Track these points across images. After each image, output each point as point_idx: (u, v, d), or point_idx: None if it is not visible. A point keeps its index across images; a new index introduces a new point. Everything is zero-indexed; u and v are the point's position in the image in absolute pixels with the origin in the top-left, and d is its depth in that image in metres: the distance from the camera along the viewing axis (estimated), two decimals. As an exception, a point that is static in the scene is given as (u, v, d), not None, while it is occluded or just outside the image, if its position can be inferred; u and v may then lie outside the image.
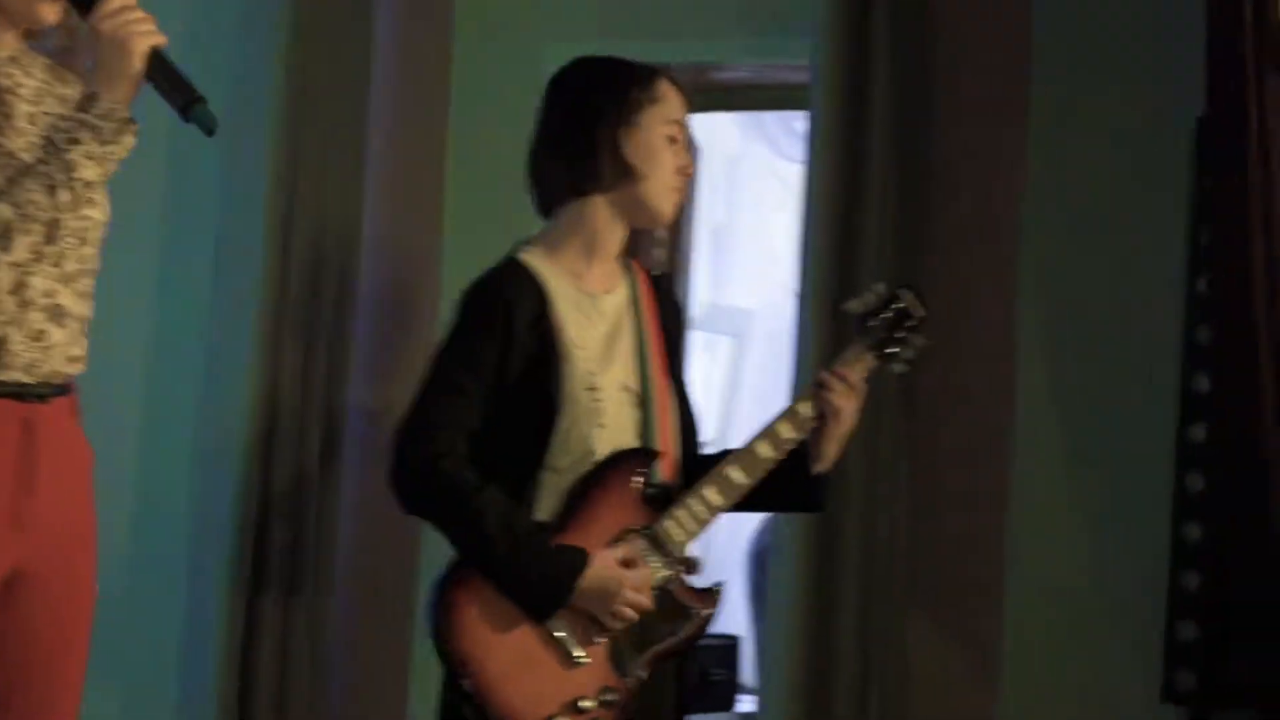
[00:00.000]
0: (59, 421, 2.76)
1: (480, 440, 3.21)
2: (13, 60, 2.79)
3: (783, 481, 3.35)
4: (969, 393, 4.67)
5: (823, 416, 3.35)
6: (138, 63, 2.65)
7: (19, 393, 2.69)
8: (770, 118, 6.75)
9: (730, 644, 6.41)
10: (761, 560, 6.60)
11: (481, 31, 4.98)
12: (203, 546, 4.36)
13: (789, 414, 3.34)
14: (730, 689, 6.31)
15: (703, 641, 6.54)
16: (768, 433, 3.33)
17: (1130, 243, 4.59)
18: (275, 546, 4.41)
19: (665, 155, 3.31)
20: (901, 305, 3.46)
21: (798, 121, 5.88)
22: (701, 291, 6.62)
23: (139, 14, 2.67)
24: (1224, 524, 4.10)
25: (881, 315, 3.45)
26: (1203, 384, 4.37)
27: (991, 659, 4.64)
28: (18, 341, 2.69)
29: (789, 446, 3.32)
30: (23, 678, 2.75)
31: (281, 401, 4.44)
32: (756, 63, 4.93)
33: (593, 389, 3.25)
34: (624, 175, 3.30)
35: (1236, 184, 3.94)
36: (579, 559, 3.16)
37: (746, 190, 7.39)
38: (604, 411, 3.25)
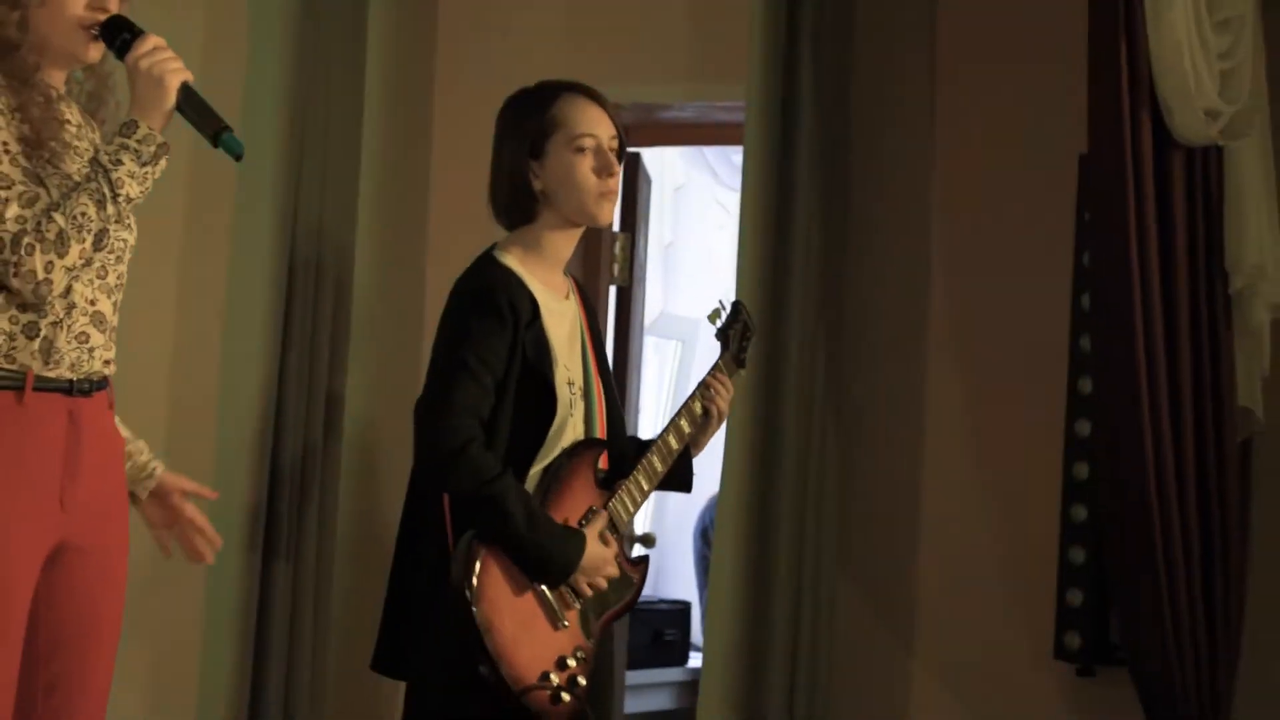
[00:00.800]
0: (98, 414, 2.77)
1: (486, 428, 3.17)
2: (61, 98, 2.81)
3: (669, 472, 3.43)
4: (887, 391, 4.72)
5: (708, 414, 3.43)
6: (171, 96, 2.67)
7: (66, 388, 2.71)
8: (711, 151, 6.75)
9: (683, 608, 6.41)
10: (706, 535, 6.63)
11: (460, 71, 5.01)
12: (221, 521, 4.36)
13: (687, 411, 3.41)
14: (683, 648, 6.31)
15: (658, 606, 6.63)
16: (673, 427, 3.39)
17: (1024, 264, 4.62)
18: (284, 519, 4.42)
19: (578, 170, 3.25)
20: (743, 320, 3.55)
21: (735, 155, 5.89)
22: (653, 301, 6.62)
23: (170, 54, 2.70)
24: (1105, 505, 4.12)
25: (733, 326, 3.54)
26: (1087, 386, 4.39)
27: (906, 622, 4.69)
28: (64, 341, 2.70)
29: (687, 439, 3.41)
30: (65, 636, 2.74)
31: (288, 392, 4.43)
32: (699, 103, 4.95)
33: (570, 384, 3.27)
34: (547, 201, 3.27)
35: (1115, 213, 3.94)
36: (582, 540, 3.19)
37: (691, 213, 7.36)
38: (574, 405, 3.26)
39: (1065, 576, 4.45)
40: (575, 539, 3.20)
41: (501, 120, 3.36)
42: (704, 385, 3.45)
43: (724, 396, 3.45)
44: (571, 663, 3.19)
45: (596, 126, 3.29)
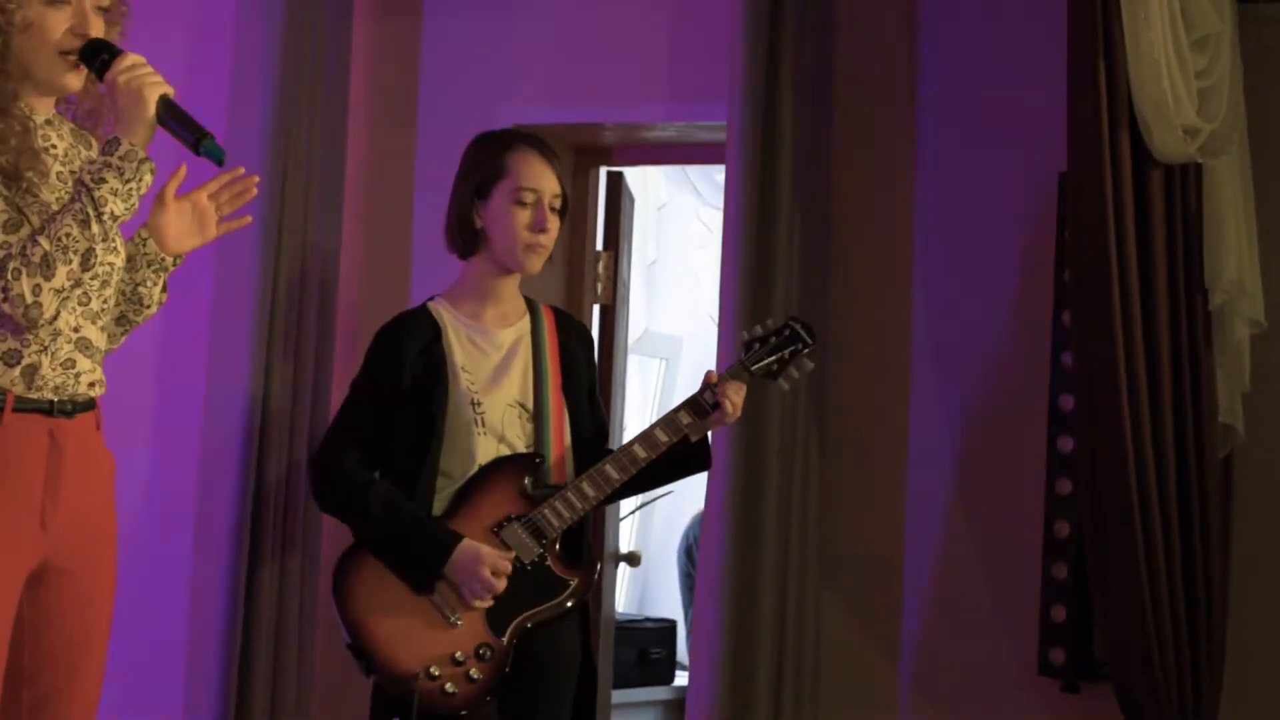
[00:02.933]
0: (83, 433, 2.80)
1: (385, 449, 3.47)
2: (48, 123, 2.83)
3: (676, 457, 3.55)
4: (870, 408, 4.73)
5: (718, 407, 3.51)
6: (151, 108, 2.70)
7: (47, 408, 2.73)
8: (694, 170, 6.75)
9: (669, 626, 6.41)
10: (690, 553, 6.64)
11: (443, 94, 5.03)
12: (206, 536, 4.38)
13: (666, 422, 3.52)
14: (669, 666, 6.32)
15: (644, 625, 6.64)
16: (645, 436, 3.50)
17: (1005, 281, 4.64)
18: (269, 534, 4.44)
19: (515, 220, 3.50)
20: (789, 332, 3.62)
21: (717, 174, 5.91)
22: (637, 320, 6.63)
23: (149, 68, 2.73)
24: (1087, 521, 4.12)
25: (766, 339, 3.61)
26: (1068, 402, 4.38)
27: (892, 639, 4.68)
28: (48, 368, 2.73)
29: (661, 449, 3.49)
30: (51, 658, 2.77)
31: (272, 408, 4.45)
32: (681, 123, 4.95)
33: (475, 403, 3.44)
34: (484, 239, 3.52)
35: (1095, 231, 3.97)
36: (452, 539, 3.38)
37: (674, 232, 7.38)
38: (486, 422, 3.44)
39: (1048, 592, 4.45)
40: (442, 540, 3.37)
41: (463, 158, 3.61)
42: (714, 382, 3.54)
43: (738, 393, 3.54)
44: (463, 657, 3.36)
45: (540, 182, 3.52)
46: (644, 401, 7.37)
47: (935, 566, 4.67)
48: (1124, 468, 3.98)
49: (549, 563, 3.46)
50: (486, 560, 3.37)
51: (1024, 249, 4.62)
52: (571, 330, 3.66)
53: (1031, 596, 4.48)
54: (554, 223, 3.53)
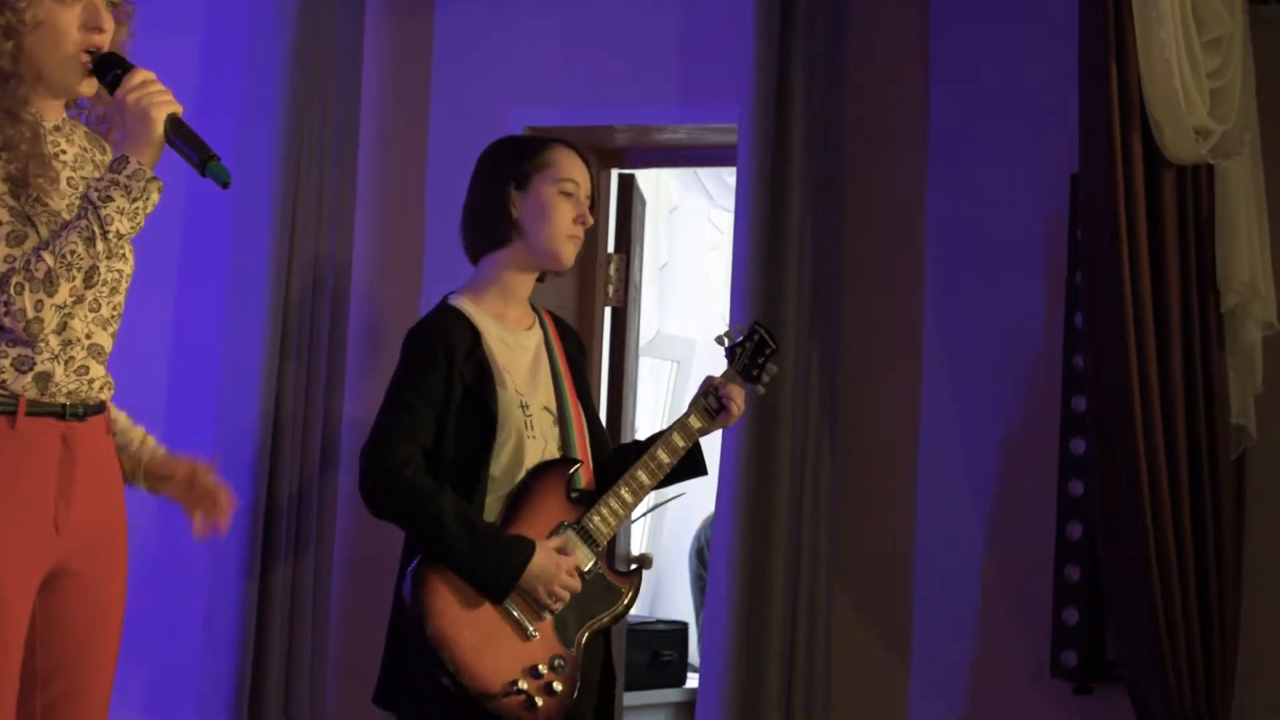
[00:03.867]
0: (95, 437, 2.79)
1: (432, 456, 3.35)
2: (57, 129, 2.81)
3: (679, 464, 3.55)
4: (882, 409, 4.73)
5: (724, 409, 3.54)
6: (159, 128, 2.68)
7: (60, 412, 2.72)
8: (705, 172, 6.76)
9: (680, 629, 6.41)
10: (702, 555, 6.63)
11: (455, 92, 5.03)
12: (219, 546, 4.38)
13: (681, 426, 3.53)
14: (680, 669, 6.32)
15: (655, 627, 6.65)
16: (666, 442, 3.51)
17: (1017, 282, 4.64)
18: (282, 544, 4.44)
19: (558, 210, 3.46)
20: (759, 336, 3.64)
21: (729, 176, 5.91)
22: (648, 322, 6.64)
23: (159, 86, 2.71)
24: (1100, 523, 4.12)
25: (744, 344, 3.64)
26: (1081, 404, 4.38)
27: (903, 640, 4.69)
28: (62, 375, 2.72)
29: (681, 454, 3.51)
30: (63, 662, 2.76)
31: (285, 416, 4.45)
32: (693, 126, 4.96)
33: (524, 405, 3.40)
34: (519, 231, 3.46)
35: (1106, 232, 3.97)
36: (528, 547, 3.31)
37: (686, 234, 7.38)
38: (533, 425, 3.40)
39: (1061, 594, 4.45)
40: (520, 549, 3.31)
41: (489, 155, 3.55)
42: (715, 385, 3.56)
43: (740, 395, 3.57)
44: (544, 670, 3.30)
45: (581, 176, 3.51)
46: (655, 404, 7.37)
47: (947, 568, 4.67)
48: (1136, 469, 3.98)
49: (601, 570, 3.43)
50: (565, 564, 3.33)
51: (1036, 251, 4.62)
52: (570, 336, 3.65)
53: (1044, 598, 4.48)
54: (590, 219, 3.52)
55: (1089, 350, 4.13)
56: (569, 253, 3.49)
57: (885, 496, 4.73)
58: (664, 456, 3.48)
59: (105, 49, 2.76)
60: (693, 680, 6.17)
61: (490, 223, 3.47)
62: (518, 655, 3.30)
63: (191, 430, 4.47)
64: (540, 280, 3.56)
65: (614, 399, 5.23)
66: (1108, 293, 3.99)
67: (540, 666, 3.30)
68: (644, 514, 6.63)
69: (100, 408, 2.81)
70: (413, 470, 3.30)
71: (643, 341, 5.68)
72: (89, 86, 2.78)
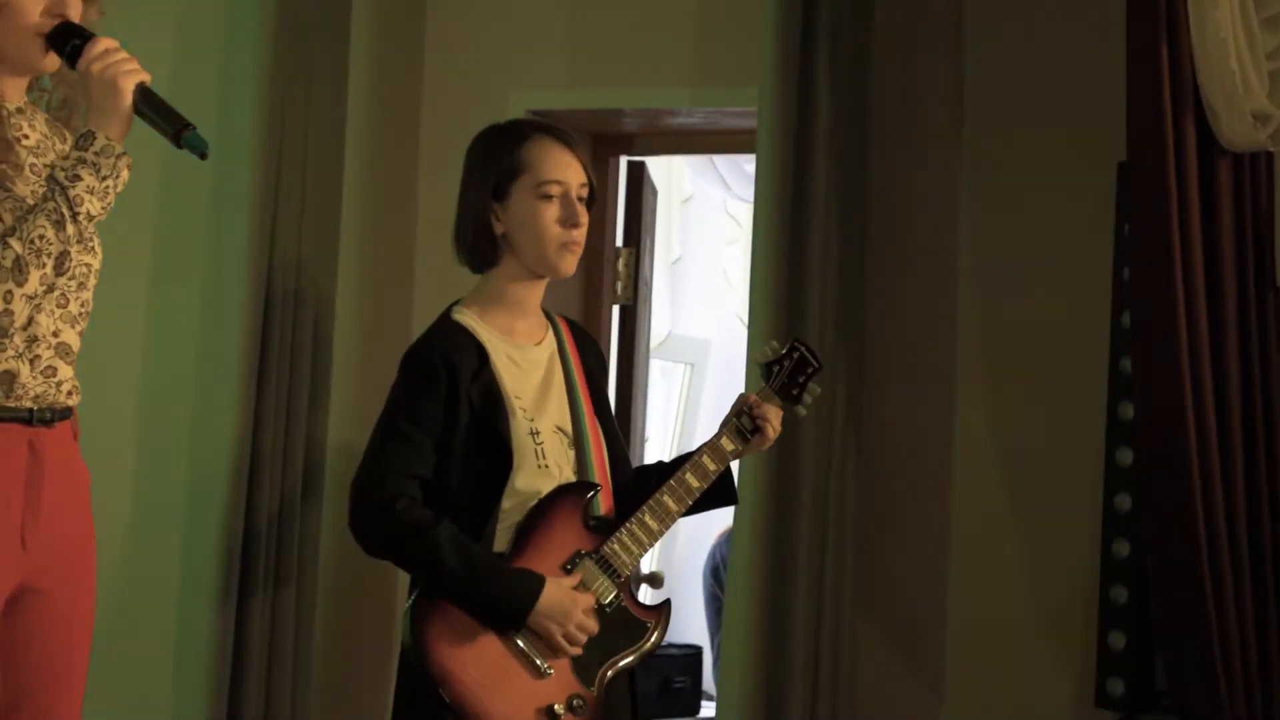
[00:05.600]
0: (61, 444, 2.79)
1: (434, 488, 3.29)
2: (19, 111, 2.82)
3: (708, 491, 3.48)
4: (912, 418, 4.73)
5: (757, 431, 3.47)
6: (127, 99, 2.68)
7: (26, 417, 2.73)
8: (721, 160, 6.76)
9: (694, 654, 6.43)
10: (718, 575, 6.64)
11: (451, 79, 5.04)
12: (194, 568, 4.38)
13: (712, 448, 3.46)
14: (694, 696, 6.33)
15: (667, 651, 6.64)
16: (695, 465, 3.44)
17: (1060, 280, 4.63)
18: (261, 567, 4.43)
19: (542, 218, 3.35)
20: (799, 355, 3.58)
21: (747, 164, 5.92)
22: (660, 322, 6.65)
23: (124, 55, 2.71)
24: (1149, 540, 4.11)
25: (783, 362, 3.57)
26: (1128, 411, 4.38)
27: (935, 668, 4.70)
28: (28, 376, 2.72)
29: (713, 477, 3.44)
30: (31, 684, 2.77)
31: (264, 432, 4.43)
32: (708, 109, 4.96)
33: (534, 434, 3.34)
34: (508, 245, 3.38)
35: (1157, 225, 3.96)
36: (536, 582, 3.25)
37: (700, 227, 7.41)
38: (545, 454, 3.33)
39: (1107, 617, 4.45)
40: (527, 583, 3.25)
41: (469, 157, 3.45)
42: (752, 404, 3.50)
43: (778, 415, 3.50)
44: (560, 710, 3.26)
45: (565, 172, 3.38)
46: (667, 410, 7.38)
47: (983, 590, 4.67)
48: (1188, 481, 3.97)
49: (624, 603, 3.37)
50: (580, 601, 3.28)
51: (1079, 245, 4.61)
52: (589, 346, 3.58)
53: (1088, 622, 4.49)
54: (585, 216, 3.41)
55: (1137, 353, 4.13)
56: (566, 262, 3.41)
57: (915, 511, 4.73)
58: (693, 481, 3.42)
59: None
60: (707, 709, 6.19)
61: (476, 243, 3.40)
62: (531, 694, 3.26)
63: (161, 458, 4.46)
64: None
65: (623, 404, 5.24)
66: (1158, 290, 3.98)
67: (556, 706, 3.26)
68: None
69: (67, 413, 2.82)
70: (404, 504, 3.24)
71: (654, 342, 5.69)
72: (53, 61, 2.78)
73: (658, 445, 6.87)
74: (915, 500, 4.73)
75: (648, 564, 6.59)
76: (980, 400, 4.70)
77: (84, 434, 2.90)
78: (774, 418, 3.49)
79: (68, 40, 2.73)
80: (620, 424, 5.13)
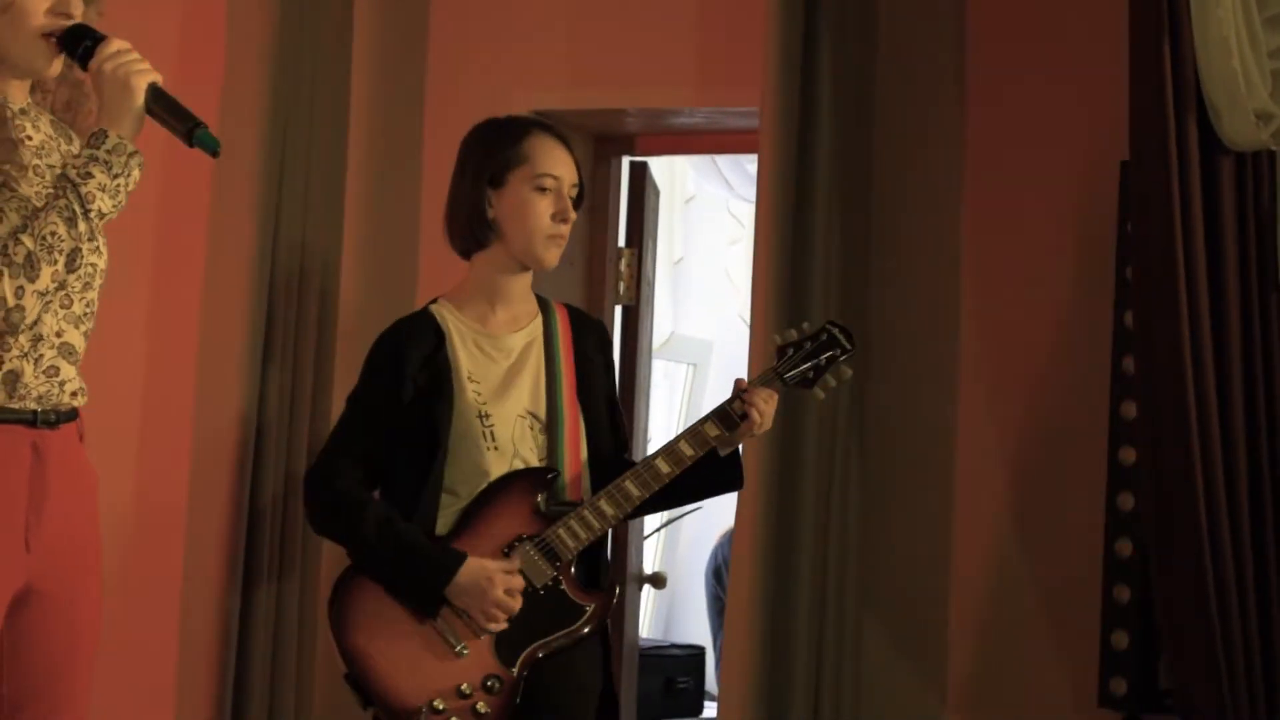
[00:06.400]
0: (66, 446, 2.81)
1: (384, 465, 3.47)
2: (23, 113, 2.84)
3: (702, 473, 3.53)
4: (915, 417, 4.72)
5: (745, 417, 3.49)
6: (139, 97, 2.71)
7: (30, 419, 2.74)
8: (724, 160, 6.77)
9: (696, 654, 6.43)
10: (720, 575, 6.64)
11: (452, 77, 5.04)
12: (197, 557, 4.39)
13: (692, 434, 3.51)
14: (697, 697, 6.33)
15: (670, 652, 6.65)
16: (668, 450, 3.50)
17: (1062, 279, 4.63)
18: (265, 555, 4.44)
19: (535, 208, 3.50)
20: (826, 336, 3.61)
21: (749, 163, 5.92)
22: (662, 322, 6.65)
23: (135, 55, 2.74)
24: (1152, 539, 4.11)
25: (801, 344, 3.60)
26: (1130, 410, 4.38)
27: (938, 667, 4.69)
28: (30, 376, 2.73)
29: (687, 464, 3.48)
30: (36, 686, 2.78)
31: (268, 419, 4.45)
32: (710, 109, 4.96)
33: (484, 416, 3.45)
34: (497, 232, 3.51)
35: (1159, 224, 3.96)
36: (455, 560, 3.36)
37: (703, 227, 7.41)
38: (496, 436, 3.44)
39: (1110, 617, 4.45)
40: (446, 561, 3.37)
41: (466, 146, 3.59)
42: (743, 389, 3.53)
43: (767, 401, 3.51)
44: (469, 690, 3.35)
45: (560, 168, 3.53)
46: (670, 411, 7.40)
47: (985, 589, 4.67)
48: (1191, 480, 3.97)
49: (563, 586, 3.44)
50: (498, 580, 3.37)
51: (1082, 244, 4.62)
52: (588, 331, 3.65)
53: (1091, 621, 4.47)
54: (573, 214, 3.54)
55: (1139, 352, 4.13)
56: (550, 255, 3.53)
57: (919, 511, 4.72)
58: (663, 466, 3.47)
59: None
60: (710, 709, 6.19)
61: (467, 225, 3.53)
62: (442, 673, 3.36)
63: (165, 442, 4.47)
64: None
65: (626, 405, 5.22)
66: (1160, 289, 3.98)
67: (464, 686, 3.35)
68: (657, 529, 6.64)
69: (73, 414, 2.83)
70: (342, 484, 3.43)
71: (656, 343, 5.70)
72: (56, 65, 2.80)
73: (658, 445, 6.88)
74: (917, 500, 4.72)
75: (650, 564, 6.60)
76: (983, 399, 4.70)
77: (89, 427, 2.91)
78: (762, 404, 3.51)
79: (79, 42, 2.76)
80: (623, 423, 5.17)
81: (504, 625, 3.38)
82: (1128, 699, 4.43)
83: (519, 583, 3.39)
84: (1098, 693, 4.48)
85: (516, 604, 3.38)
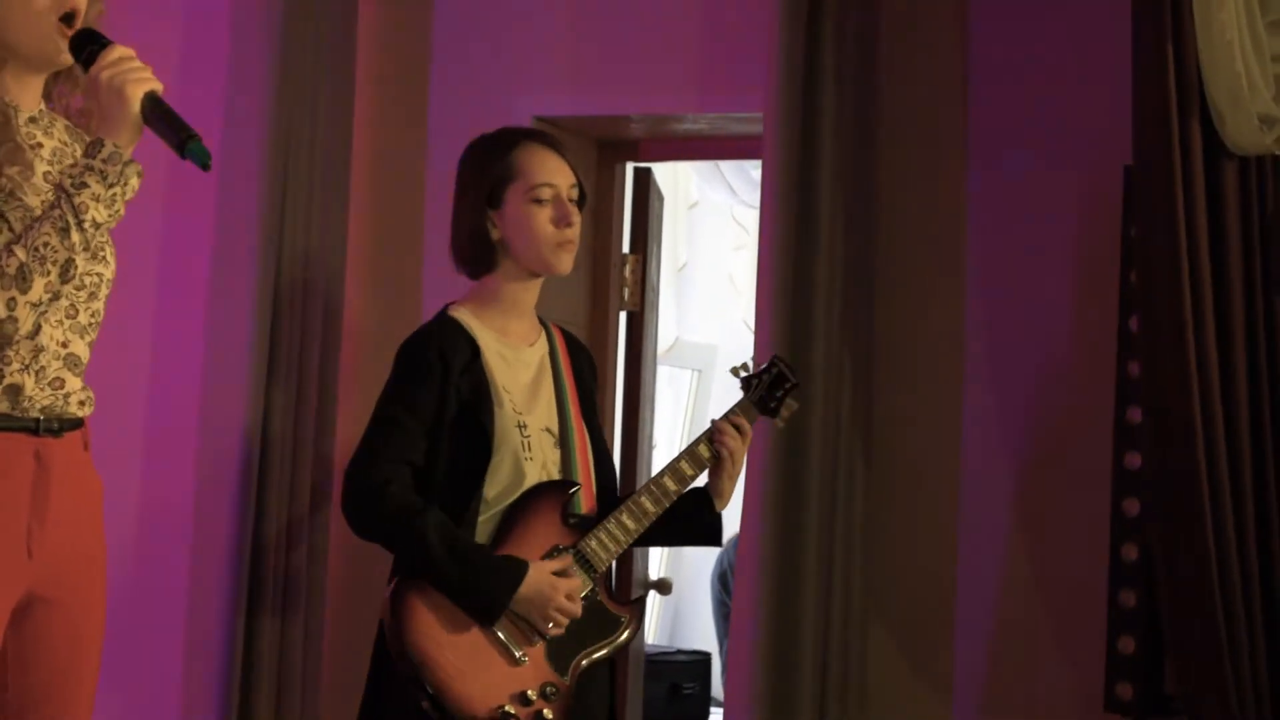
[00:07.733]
0: (70, 454, 2.79)
1: (423, 474, 3.43)
2: (33, 120, 2.81)
3: (690, 523, 3.64)
4: (920, 422, 4.73)
5: (718, 457, 3.59)
6: (134, 106, 2.67)
7: (33, 427, 2.72)
8: (728, 166, 6.77)
9: (702, 659, 6.43)
10: (726, 581, 6.65)
11: (456, 84, 5.04)
12: (202, 573, 4.38)
13: (689, 454, 3.59)
14: (703, 702, 6.33)
15: (676, 657, 6.66)
16: (673, 469, 3.56)
17: (1066, 284, 4.64)
18: (270, 570, 4.44)
19: (536, 220, 3.51)
20: (777, 370, 3.72)
21: (753, 169, 5.92)
22: (666, 328, 6.65)
23: (136, 63, 2.71)
24: (1158, 545, 4.11)
25: (762, 375, 3.71)
26: (1136, 415, 4.37)
27: (944, 673, 4.69)
28: (34, 388, 2.72)
29: (689, 481, 3.57)
30: (38, 697, 2.77)
31: (273, 431, 4.45)
32: (714, 115, 4.96)
33: (521, 426, 3.47)
34: (505, 250, 3.53)
35: (1164, 228, 3.97)
36: (520, 568, 3.37)
37: (707, 233, 7.41)
38: (531, 446, 3.46)
39: (1116, 622, 4.44)
40: (509, 570, 3.37)
41: (461, 168, 3.61)
42: (714, 427, 3.63)
43: (734, 439, 3.61)
44: (534, 696, 3.37)
45: (555, 176, 3.55)
46: (674, 417, 7.39)
47: (991, 593, 4.67)
48: (1196, 485, 3.98)
49: (600, 598, 3.49)
50: (561, 585, 3.39)
51: (1086, 248, 4.62)
52: (582, 355, 3.71)
53: (1097, 626, 4.47)
54: (577, 215, 3.56)
55: (1144, 356, 4.14)
56: (563, 260, 3.55)
57: (924, 517, 4.73)
58: (670, 484, 3.55)
59: (79, 12, 2.76)
60: (716, 715, 6.19)
61: (473, 250, 3.55)
62: (506, 680, 3.37)
63: (170, 455, 4.47)
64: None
65: (630, 410, 5.24)
66: (1164, 294, 3.99)
67: (529, 692, 3.37)
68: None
69: (78, 423, 2.81)
70: (397, 488, 3.38)
71: (661, 349, 5.69)
72: (68, 55, 2.77)
73: (665, 451, 6.88)
74: (923, 505, 4.73)
75: (656, 570, 6.59)
76: (988, 403, 4.70)
77: (91, 440, 2.89)
78: (733, 445, 3.60)
79: (85, 46, 2.74)
80: (627, 429, 5.19)
81: (562, 631, 3.41)
82: (1134, 704, 4.42)
83: (579, 586, 3.42)
84: (1104, 698, 4.46)
85: (578, 609, 3.41)
